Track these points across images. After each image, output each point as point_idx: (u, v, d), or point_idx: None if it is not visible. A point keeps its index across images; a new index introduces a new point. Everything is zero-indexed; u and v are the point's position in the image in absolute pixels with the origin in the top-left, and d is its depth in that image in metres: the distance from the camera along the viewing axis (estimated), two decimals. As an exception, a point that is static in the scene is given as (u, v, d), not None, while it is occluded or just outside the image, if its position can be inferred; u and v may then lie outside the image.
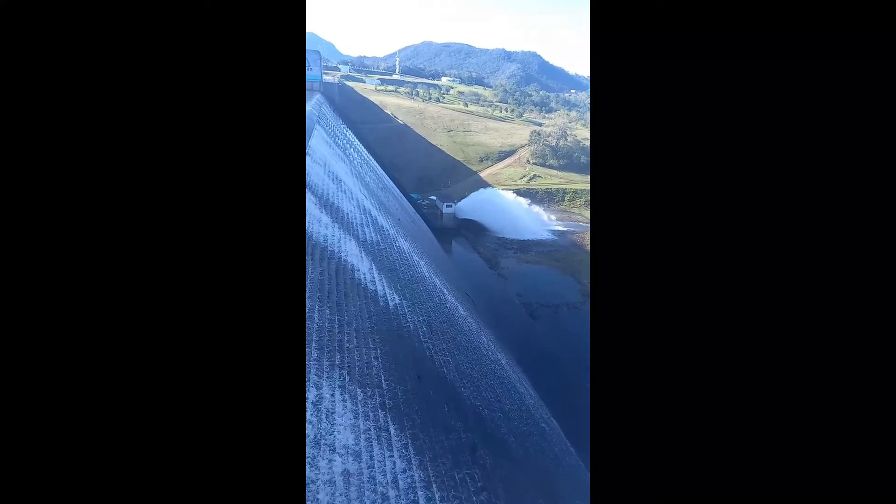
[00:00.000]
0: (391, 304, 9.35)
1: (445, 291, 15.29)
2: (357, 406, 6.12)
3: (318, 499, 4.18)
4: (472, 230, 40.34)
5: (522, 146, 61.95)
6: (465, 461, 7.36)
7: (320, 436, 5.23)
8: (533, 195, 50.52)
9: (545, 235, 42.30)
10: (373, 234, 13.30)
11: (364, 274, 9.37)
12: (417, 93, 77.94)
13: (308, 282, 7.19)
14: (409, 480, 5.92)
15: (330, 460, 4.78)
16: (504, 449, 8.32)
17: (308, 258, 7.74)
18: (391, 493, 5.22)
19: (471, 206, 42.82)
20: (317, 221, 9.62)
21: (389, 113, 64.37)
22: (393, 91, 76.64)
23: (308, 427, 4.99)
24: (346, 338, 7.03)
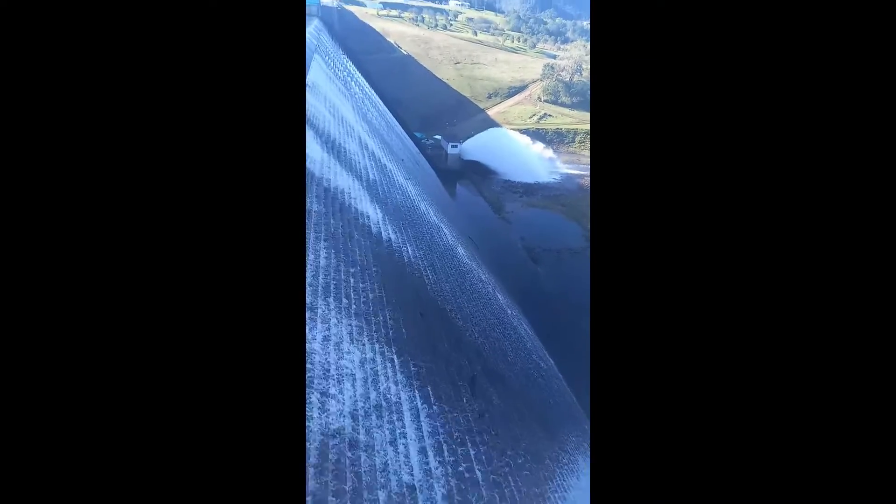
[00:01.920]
0: (394, 244, 9.45)
1: (448, 234, 15.36)
2: (363, 338, 6.44)
3: (329, 423, 4.55)
4: (478, 172, 39.47)
5: (534, 81, 58.41)
6: (465, 389, 7.89)
7: (328, 366, 5.57)
8: (542, 136, 48.67)
9: (552, 179, 41.40)
10: (376, 175, 13.09)
11: (367, 215, 9.37)
12: (423, 18, 71.97)
13: (310, 222, 7.22)
14: (412, 404, 6.40)
15: (339, 389, 5.14)
16: (502, 382, 8.87)
17: (310, 196, 7.70)
18: (396, 419, 5.66)
19: (477, 146, 41.49)
20: (318, 161, 9.42)
21: (393, 42, 60.10)
22: (396, 17, 70.83)
23: (315, 358, 5.29)
24: (349, 277, 7.20)
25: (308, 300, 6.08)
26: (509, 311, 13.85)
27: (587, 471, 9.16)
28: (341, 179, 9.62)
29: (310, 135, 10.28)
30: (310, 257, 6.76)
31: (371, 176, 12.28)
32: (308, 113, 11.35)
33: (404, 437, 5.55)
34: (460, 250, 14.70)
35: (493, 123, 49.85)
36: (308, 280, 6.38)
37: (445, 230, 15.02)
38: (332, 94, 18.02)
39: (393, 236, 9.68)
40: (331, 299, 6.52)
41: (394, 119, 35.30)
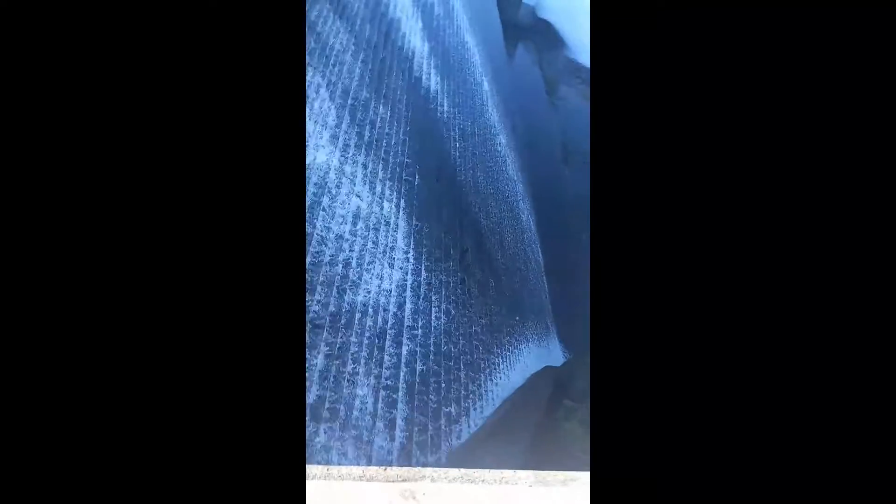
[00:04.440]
0: (433, 94, 8.77)
1: (490, 102, 14.16)
2: (375, 179, 6.52)
3: (321, 226, 4.93)
4: (546, 38, 34.32)
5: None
6: (455, 258, 8.43)
7: (337, 193, 5.76)
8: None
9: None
10: (440, 9, 11.30)
11: (414, 50, 8.42)
12: None
13: (352, 44, 6.50)
14: (405, 254, 6.91)
15: (344, 205, 5.39)
16: (489, 263, 9.42)
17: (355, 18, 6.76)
18: (390, 251, 6.15)
19: (558, 6, 35.03)
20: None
21: None
22: None
23: (323, 188, 5.42)
24: (378, 115, 6.87)
25: (333, 118, 5.89)
26: (521, 203, 13.83)
27: (538, 349, 10.54)
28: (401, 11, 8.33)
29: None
30: (343, 75, 6.30)
31: (436, 9, 10.62)
32: None
33: (391, 262, 6.11)
34: (490, 105, 13.74)
35: (587, -20, 41.04)
36: (337, 100, 6.08)
37: (491, 105, 13.77)
38: None
39: (434, 85, 8.91)
40: (354, 127, 6.34)
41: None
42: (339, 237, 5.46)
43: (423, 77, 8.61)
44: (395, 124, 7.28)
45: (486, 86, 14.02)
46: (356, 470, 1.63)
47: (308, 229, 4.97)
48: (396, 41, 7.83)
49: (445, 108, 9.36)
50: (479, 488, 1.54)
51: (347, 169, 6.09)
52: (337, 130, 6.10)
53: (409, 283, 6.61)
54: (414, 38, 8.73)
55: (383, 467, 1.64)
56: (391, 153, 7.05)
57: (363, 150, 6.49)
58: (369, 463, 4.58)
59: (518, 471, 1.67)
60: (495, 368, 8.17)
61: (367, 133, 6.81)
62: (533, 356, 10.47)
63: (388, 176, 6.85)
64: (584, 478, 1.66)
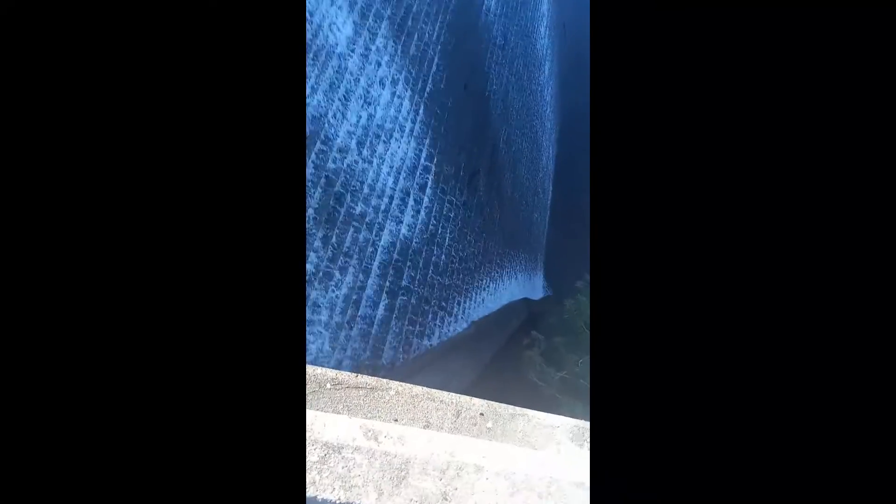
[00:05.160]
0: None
1: (543, 25, 12.46)
2: (402, 84, 6.03)
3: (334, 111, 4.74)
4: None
5: None
6: (464, 179, 8.22)
7: (352, 88, 5.35)
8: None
9: None
10: None
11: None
12: None
13: None
14: (415, 161, 6.70)
15: (360, 99, 5.12)
16: (499, 191, 9.23)
17: None
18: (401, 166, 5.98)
19: None
20: None
21: None
22: None
23: (348, 79, 5.03)
24: (413, 13, 6.07)
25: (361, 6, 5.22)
26: (548, 125, 13.04)
27: (523, 277, 10.92)
28: None
29: None
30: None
31: None
32: None
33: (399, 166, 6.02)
34: (542, 28, 12.28)
35: None
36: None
37: (543, 28, 12.07)
38: None
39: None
40: (384, 20, 5.66)
41: None
42: (350, 134, 5.22)
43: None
44: (433, 15, 6.51)
45: (545, 6, 12.22)
46: (330, 373, 1.80)
47: (314, 124, 4.71)
48: None
49: (492, 9, 8.29)
50: (433, 433, 1.71)
51: (371, 59, 5.59)
52: (367, 9, 5.43)
53: (411, 195, 6.54)
54: None
55: (355, 374, 1.81)
56: (421, 46, 6.40)
57: (391, 37, 5.87)
58: (341, 361, 5.00)
59: (474, 398, 1.87)
60: (478, 291, 8.55)
61: (398, 16, 6.08)
62: (516, 286, 10.89)
63: (412, 74, 6.31)
64: (529, 414, 1.86)
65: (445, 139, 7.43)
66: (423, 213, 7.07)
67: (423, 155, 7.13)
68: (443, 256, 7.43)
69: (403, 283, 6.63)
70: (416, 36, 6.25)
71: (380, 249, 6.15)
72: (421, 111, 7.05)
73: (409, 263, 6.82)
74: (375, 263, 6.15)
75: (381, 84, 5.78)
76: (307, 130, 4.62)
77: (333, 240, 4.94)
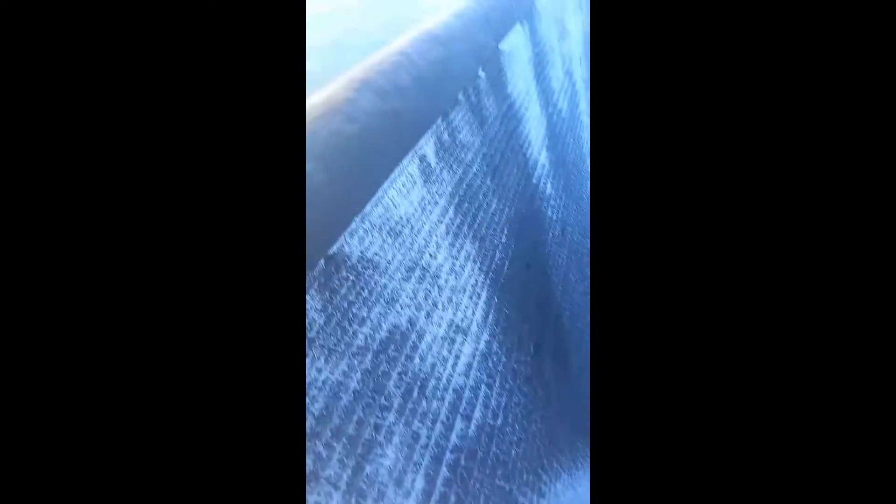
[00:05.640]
0: (542, 184, 9.24)
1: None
2: (465, 257, 6.80)
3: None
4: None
5: None
6: (525, 348, 8.02)
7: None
8: None
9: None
10: (566, 114, 12.35)
11: (534, 156, 9.17)
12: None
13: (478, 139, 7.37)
14: (470, 320, 6.81)
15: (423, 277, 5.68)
16: (564, 363, 8.73)
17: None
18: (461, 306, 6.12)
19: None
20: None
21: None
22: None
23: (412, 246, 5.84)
24: (482, 196, 7.39)
25: (433, 158, 6.48)
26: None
27: (579, 463, 8.93)
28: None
29: None
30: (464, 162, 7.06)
31: (563, 114, 11.70)
32: None
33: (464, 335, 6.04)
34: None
35: None
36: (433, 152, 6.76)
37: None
38: None
39: (549, 189, 9.44)
40: (456, 207, 6.85)
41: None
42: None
43: (542, 182, 9.23)
44: (496, 206, 7.75)
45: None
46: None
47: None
48: (519, 139, 8.69)
49: (552, 196, 9.70)
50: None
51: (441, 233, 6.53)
52: (447, 205, 6.70)
53: (475, 363, 6.44)
54: (536, 141, 9.59)
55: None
56: (489, 232, 7.41)
57: (467, 225, 6.95)
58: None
59: None
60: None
61: (472, 212, 7.33)
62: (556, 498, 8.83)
63: (479, 253, 7.12)
64: None
65: (509, 312, 7.65)
66: (481, 388, 6.73)
67: (487, 326, 7.28)
68: (491, 446, 6.60)
69: (444, 465, 5.81)
70: (480, 212, 7.33)
71: (427, 420, 5.72)
72: (486, 283, 7.60)
73: (448, 448, 6.11)
74: (419, 437, 5.62)
75: (463, 290, 6.55)
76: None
77: (379, 403, 4.78)
